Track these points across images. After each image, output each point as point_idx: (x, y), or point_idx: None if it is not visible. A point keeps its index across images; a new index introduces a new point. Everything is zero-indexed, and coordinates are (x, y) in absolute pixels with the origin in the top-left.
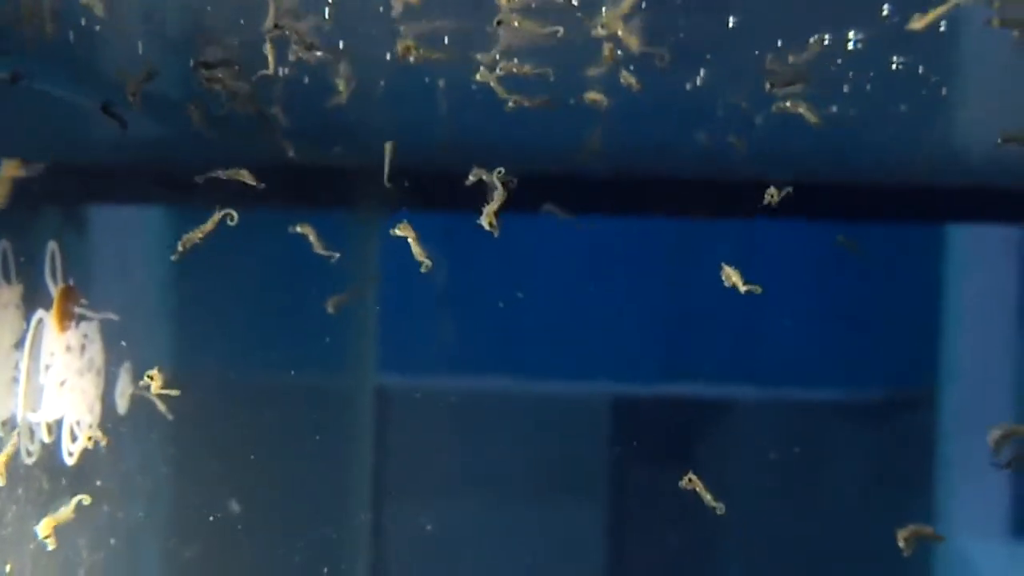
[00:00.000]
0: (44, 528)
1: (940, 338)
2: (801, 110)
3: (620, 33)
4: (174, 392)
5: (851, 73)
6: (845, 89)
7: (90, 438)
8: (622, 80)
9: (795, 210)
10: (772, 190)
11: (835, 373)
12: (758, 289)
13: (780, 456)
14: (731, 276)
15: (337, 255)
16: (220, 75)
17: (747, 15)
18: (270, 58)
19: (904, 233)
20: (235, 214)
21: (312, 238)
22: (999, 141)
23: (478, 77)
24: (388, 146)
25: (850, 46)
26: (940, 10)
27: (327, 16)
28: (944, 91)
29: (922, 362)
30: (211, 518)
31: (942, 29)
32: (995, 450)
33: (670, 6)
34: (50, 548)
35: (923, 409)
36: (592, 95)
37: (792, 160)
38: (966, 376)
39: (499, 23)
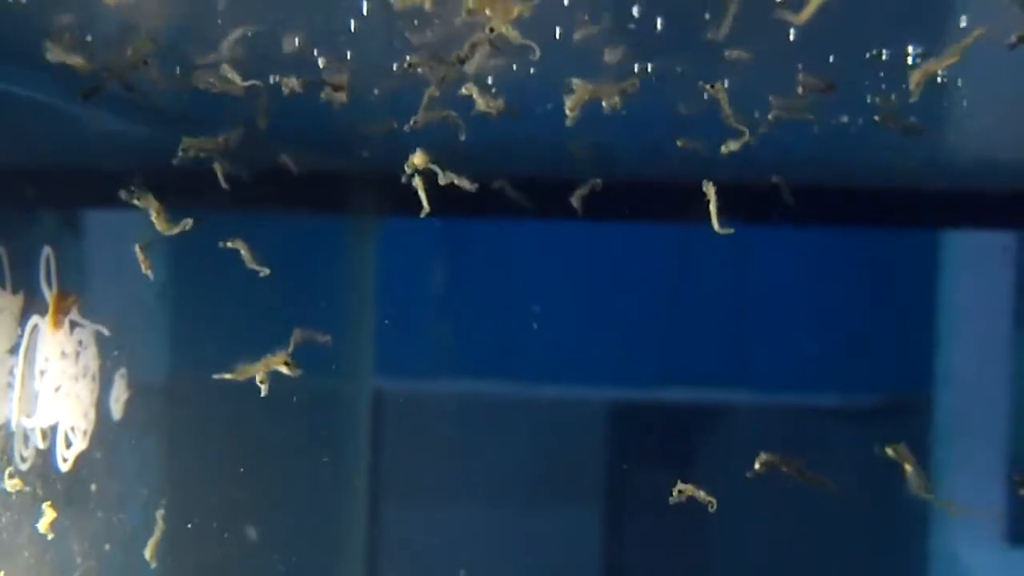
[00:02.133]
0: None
1: (936, 343)
2: (728, 114)
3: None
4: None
5: (883, 86)
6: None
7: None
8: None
9: (791, 216)
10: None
11: (831, 378)
12: (731, 231)
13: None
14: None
15: (267, 271)
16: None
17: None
18: (233, 77)
19: (900, 238)
20: (191, 221)
21: (244, 252)
22: (876, 119)
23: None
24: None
25: (909, 61)
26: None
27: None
28: (965, 103)
29: (918, 367)
30: (205, 525)
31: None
32: None
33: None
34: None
35: (919, 414)
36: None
37: (789, 166)
38: (962, 381)
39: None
